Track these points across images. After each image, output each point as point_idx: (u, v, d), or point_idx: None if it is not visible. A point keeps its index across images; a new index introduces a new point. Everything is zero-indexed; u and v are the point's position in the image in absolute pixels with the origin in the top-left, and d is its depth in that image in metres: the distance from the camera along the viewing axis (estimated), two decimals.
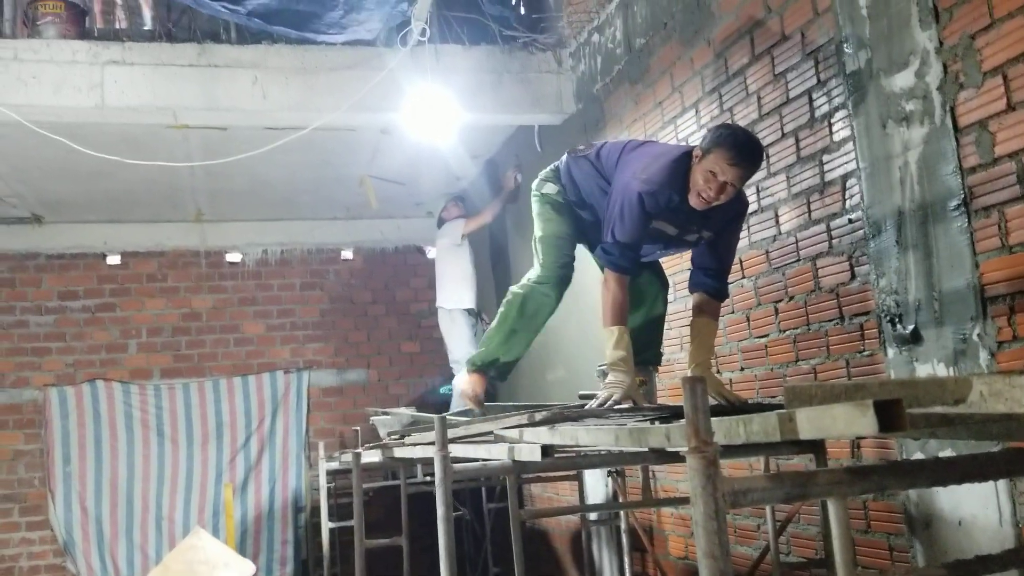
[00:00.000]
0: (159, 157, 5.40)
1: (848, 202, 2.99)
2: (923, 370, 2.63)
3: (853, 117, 2.91)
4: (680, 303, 3.91)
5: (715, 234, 2.97)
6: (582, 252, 3.39)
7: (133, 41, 4.84)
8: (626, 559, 4.58)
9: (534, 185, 3.30)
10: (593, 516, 4.98)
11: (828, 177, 3.09)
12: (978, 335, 2.45)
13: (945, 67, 2.54)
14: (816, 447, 2.74)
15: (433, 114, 4.98)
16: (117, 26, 5.48)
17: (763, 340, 3.48)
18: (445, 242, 6.63)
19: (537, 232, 3.22)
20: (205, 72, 4.84)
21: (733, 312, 3.62)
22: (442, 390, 7.72)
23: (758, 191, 3.44)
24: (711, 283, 3.04)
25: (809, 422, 1.52)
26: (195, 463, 7.35)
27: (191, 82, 4.81)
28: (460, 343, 6.36)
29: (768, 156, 3.32)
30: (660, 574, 4.32)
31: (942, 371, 2.57)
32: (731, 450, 2.49)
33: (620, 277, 2.89)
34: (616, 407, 2.76)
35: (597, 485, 4.97)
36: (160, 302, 7.58)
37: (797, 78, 3.23)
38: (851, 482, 1.49)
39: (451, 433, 3.03)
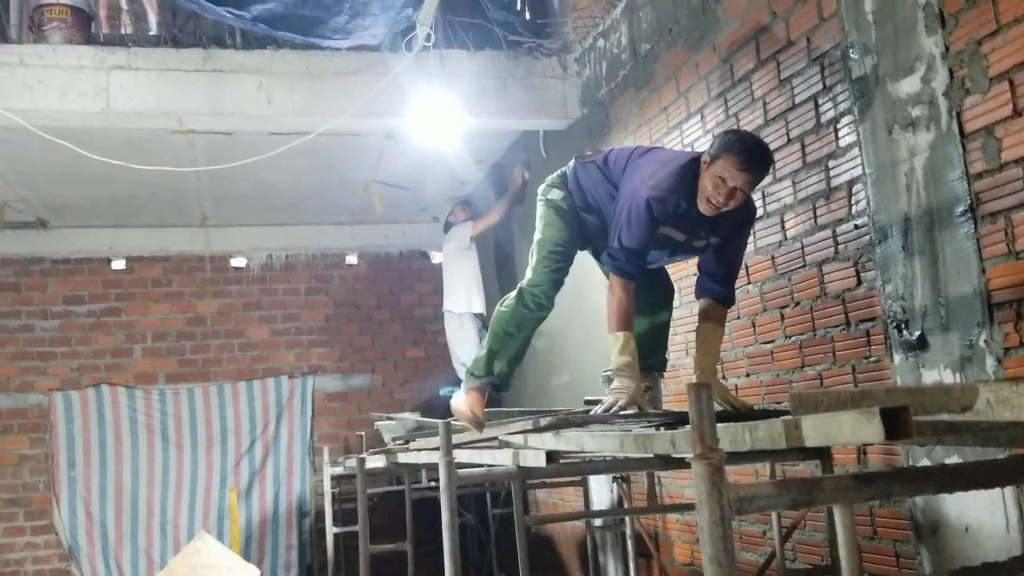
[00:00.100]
0: (164, 162, 5.42)
1: (854, 208, 2.99)
2: (930, 376, 2.62)
3: (859, 123, 2.90)
4: (685, 308, 3.90)
5: (723, 240, 2.96)
6: (586, 257, 3.38)
7: (138, 46, 4.85)
8: (631, 565, 4.56)
9: (540, 190, 3.28)
10: (598, 522, 4.97)
11: (834, 183, 3.08)
12: (985, 341, 2.44)
13: (951, 73, 2.54)
14: (822, 453, 2.73)
15: (438, 119, 4.98)
16: (123, 31, 5.49)
17: (769, 346, 3.47)
18: (453, 246, 6.62)
19: (537, 236, 3.22)
20: (210, 77, 4.85)
21: (739, 318, 3.61)
22: (442, 392, 7.73)
23: (764, 197, 3.43)
24: (718, 289, 3.03)
25: (815, 429, 1.52)
26: (200, 468, 7.35)
27: (196, 87, 4.82)
28: (467, 347, 6.34)
29: (774, 162, 3.31)
30: None
31: (949, 377, 2.56)
32: (736, 456, 2.48)
33: (626, 283, 2.88)
34: (621, 413, 2.75)
35: (602, 490, 4.96)
36: (165, 307, 7.60)
37: (803, 83, 3.23)
38: (857, 489, 1.48)
39: (456, 438, 3.03)
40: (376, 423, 6.50)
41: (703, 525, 1.37)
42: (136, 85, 4.75)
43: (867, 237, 2.90)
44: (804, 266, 3.26)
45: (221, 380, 7.58)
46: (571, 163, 3.25)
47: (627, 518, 4.57)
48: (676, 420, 2.59)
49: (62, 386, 7.29)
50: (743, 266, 3.41)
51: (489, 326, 3.22)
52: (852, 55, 2.91)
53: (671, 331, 3.50)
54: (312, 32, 4.82)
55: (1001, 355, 2.40)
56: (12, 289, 7.34)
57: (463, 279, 6.52)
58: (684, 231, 2.89)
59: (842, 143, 3.03)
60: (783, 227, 3.37)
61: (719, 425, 1.49)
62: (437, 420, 3.28)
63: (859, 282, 2.98)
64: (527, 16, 5.87)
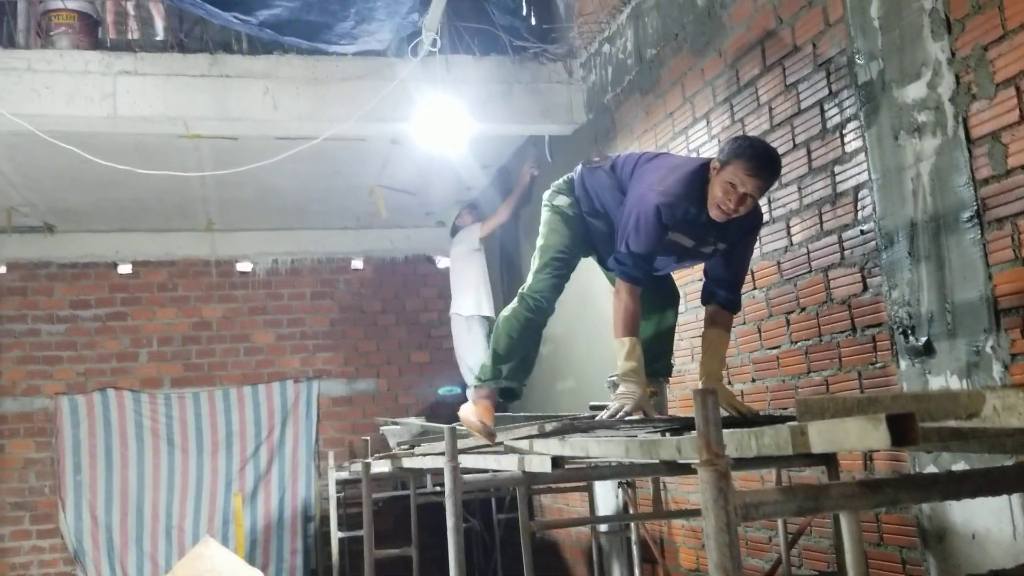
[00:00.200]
0: (170, 167, 5.43)
1: (860, 213, 2.98)
2: (936, 382, 2.62)
3: (865, 128, 2.90)
4: (691, 314, 3.90)
5: (730, 246, 2.96)
6: (592, 262, 3.38)
7: (145, 51, 4.87)
8: (636, 571, 4.55)
9: (545, 196, 3.28)
10: (604, 527, 4.96)
11: (840, 188, 3.08)
12: (991, 347, 2.43)
13: (957, 78, 2.53)
14: (828, 459, 2.72)
15: (443, 124, 4.99)
16: (129, 36, 5.51)
17: (775, 351, 3.47)
18: (462, 248, 6.59)
19: (540, 241, 3.21)
20: (217, 82, 4.86)
21: (744, 323, 3.61)
22: (440, 391, 7.73)
23: (770, 202, 3.43)
24: (724, 295, 3.03)
25: (821, 436, 1.51)
26: (205, 472, 7.36)
27: (203, 92, 4.83)
28: (474, 351, 6.32)
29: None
30: None
31: (955, 383, 2.55)
32: (742, 462, 2.48)
33: (632, 288, 2.88)
34: (627, 418, 2.74)
35: (608, 496, 4.95)
36: (171, 311, 7.61)
37: (809, 89, 3.23)
38: (864, 496, 1.48)
39: (461, 444, 3.03)
40: (381, 428, 6.50)
41: (709, 531, 1.37)
42: (143, 90, 4.76)
43: (873, 243, 2.90)
44: (810, 272, 3.25)
45: (226, 384, 7.59)
46: (578, 169, 3.24)
47: (632, 524, 4.56)
48: (682, 426, 2.59)
49: (68, 390, 7.30)
50: (749, 271, 3.40)
51: (492, 333, 3.22)
52: (858, 60, 2.91)
53: (677, 336, 3.50)
54: (318, 37, 4.84)
55: (1008, 361, 2.39)
56: (19, 293, 7.36)
57: (472, 281, 6.49)
58: (693, 237, 2.88)
59: (848, 148, 3.03)
60: (789, 232, 3.37)
61: (725, 431, 1.49)
62: (442, 425, 3.28)
63: (865, 288, 2.97)
64: (533, 21, 5.87)
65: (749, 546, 3.65)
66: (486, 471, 3.15)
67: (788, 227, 3.37)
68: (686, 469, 2.45)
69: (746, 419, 2.78)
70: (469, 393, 6.63)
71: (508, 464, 2.86)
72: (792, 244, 3.35)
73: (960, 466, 2.49)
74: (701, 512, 1.40)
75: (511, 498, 6.52)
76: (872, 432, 1.35)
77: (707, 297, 3.07)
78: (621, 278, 2.89)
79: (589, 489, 4.96)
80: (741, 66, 3.65)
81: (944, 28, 2.57)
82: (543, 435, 2.75)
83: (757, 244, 3.42)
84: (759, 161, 2.68)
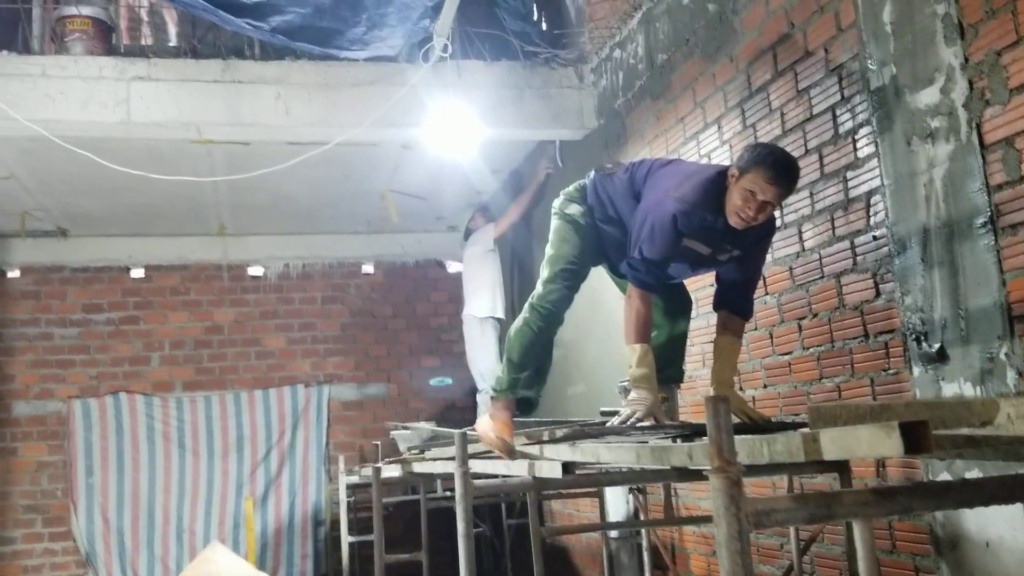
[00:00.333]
0: (183, 172, 5.46)
1: (873, 219, 2.97)
2: (949, 389, 2.60)
3: (877, 134, 2.89)
4: (702, 319, 3.89)
5: (743, 252, 2.94)
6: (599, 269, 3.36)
7: (159, 57, 4.90)
8: None
9: (556, 204, 3.23)
10: (614, 533, 4.95)
11: (852, 194, 3.07)
12: (1005, 354, 2.42)
13: (971, 84, 2.52)
14: (841, 466, 2.71)
15: (454, 129, 5.00)
16: (143, 42, 5.55)
17: (786, 357, 3.45)
18: (477, 250, 6.58)
19: (550, 250, 3.16)
20: (229, 88, 4.89)
21: (756, 329, 3.60)
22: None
23: (781, 207, 3.41)
24: (736, 301, 3.01)
25: (834, 443, 1.51)
26: (216, 476, 7.38)
27: (215, 98, 4.85)
28: (487, 355, 6.31)
29: None
30: None
31: (969, 390, 2.54)
32: (754, 468, 2.47)
33: (644, 294, 2.86)
34: (638, 425, 2.74)
35: (618, 501, 4.94)
36: (183, 315, 7.64)
37: (821, 94, 3.22)
38: (876, 503, 1.48)
39: (471, 449, 3.02)
40: (391, 432, 6.49)
41: (721, 539, 1.37)
42: (156, 96, 4.79)
43: (886, 248, 2.89)
44: (822, 277, 3.24)
45: (237, 388, 7.61)
46: (591, 175, 3.20)
47: (643, 530, 4.54)
48: (693, 432, 2.58)
49: (81, 393, 7.34)
50: (761, 277, 3.39)
51: (505, 345, 3.18)
52: (870, 66, 2.90)
53: (688, 342, 3.49)
54: (330, 43, 4.85)
55: (1022, 368, 2.38)
56: (32, 297, 7.40)
57: (487, 282, 6.46)
58: (709, 245, 2.85)
59: (860, 154, 3.02)
60: (801, 238, 3.36)
61: (737, 438, 1.49)
62: (453, 430, 3.28)
63: (878, 294, 2.96)
64: (543, 27, 5.88)
65: (761, 553, 3.64)
66: (496, 476, 3.15)
67: (800, 233, 3.36)
68: (697, 475, 2.45)
69: (758, 426, 2.76)
70: (480, 398, 6.60)
71: (518, 469, 2.86)
72: (804, 250, 3.34)
73: (974, 473, 2.48)
74: (713, 519, 1.40)
75: (521, 503, 6.52)
76: (885, 440, 1.35)
77: (719, 303, 3.05)
78: (633, 284, 2.87)
79: (599, 495, 4.95)
80: (753, 71, 3.64)
81: (957, 33, 2.56)
82: (554, 441, 2.75)
83: (769, 249, 3.41)
84: (779, 169, 2.66)
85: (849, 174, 3.08)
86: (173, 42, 5.54)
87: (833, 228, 3.17)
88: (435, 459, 4.08)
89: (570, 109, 5.32)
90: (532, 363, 3.10)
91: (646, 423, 2.74)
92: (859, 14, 2.96)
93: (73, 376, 7.37)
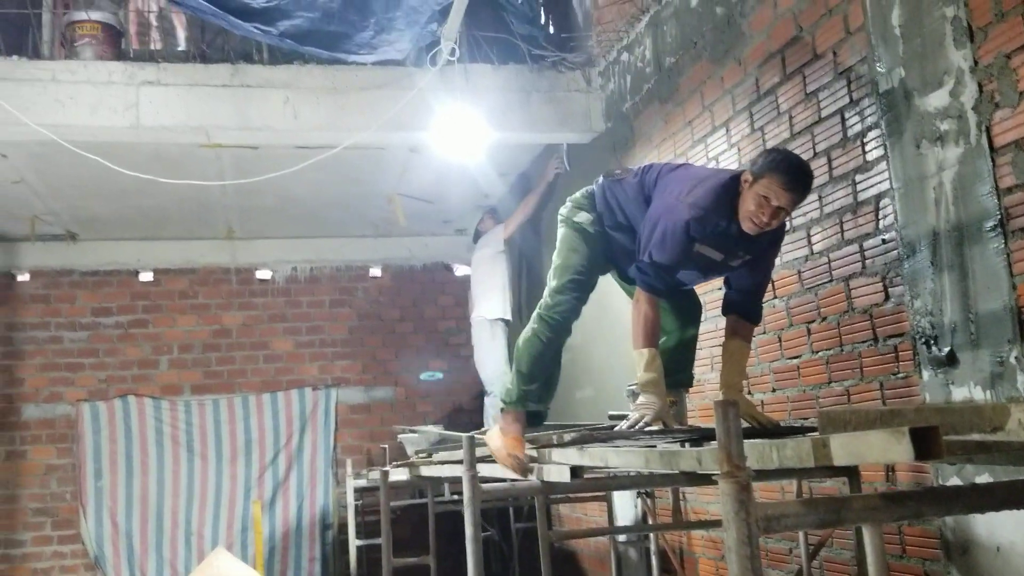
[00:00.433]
0: (192, 176, 5.47)
1: (882, 222, 2.96)
2: (959, 393, 2.59)
3: (886, 137, 2.88)
4: (711, 323, 3.88)
5: (754, 257, 2.93)
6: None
7: (168, 62, 4.92)
8: None
9: (564, 211, 3.19)
10: (622, 537, 4.94)
11: (861, 197, 3.06)
12: (1016, 358, 2.40)
13: (980, 87, 2.52)
14: (850, 471, 2.70)
15: (462, 133, 5.01)
16: (152, 47, 5.57)
17: (795, 361, 3.44)
18: (488, 251, 6.57)
19: (557, 260, 3.12)
20: (238, 92, 4.90)
21: (765, 332, 3.59)
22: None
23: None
24: (745, 306, 2.99)
25: (843, 448, 1.50)
26: (224, 479, 7.39)
27: (224, 102, 4.87)
28: (496, 358, 6.30)
29: None
30: None
31: (979, 394, 2.53)
32: (763, 473, 2.46)
33: (652, 298, 2.85)
34: (647, 429, 2.73)
35: (626, 505, 4.93)
36: (191, 319, 7.66)
37: (829, 97, 3.21)
38: (886, 509, 1.47)
39: (479, 452, 3.02)
40: (399, 436, 6.51)
41: (730, 544, 1.36)
42: (165, 100, 4.81)
43: (895, 252, 2.88)
44: (831, 281, 3.23)
45: (246, 392, 7.63)
46: (599, 181, 3.17)
47: (651, 534, 4.54)
48: (701, 436, 2.58)
49: (90, 397, 7.36)
50: (769, 281, 3.38)
51: (514, 355, 3.15)
52: (879, 69, 2.90)
53: (696, 345, 3.48)
54: (338, 47, 4.86)
55: None
56: (42, 301, 7.43)
57: (497, 284, 6.46)
58: (722, 250, 2.82)
59: (869, 157, 3.01)
60: (809, 241, 3.35)
61: (746, 442, 1.48)
62: (460, 434, 3.28)
63: (887, 297, 2.95)
64: (551, 30, 5.88)
65: (769, 557, 3.62)
66: (504, 480, 3.15)
67: (809, 236, 3.35)
68: (706, 480, 2.43)
69: (767, 430, 2.76)
70: (487, 401, 6.58)
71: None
72: (813, 253, 3.33)
73: (984, 478, 2.47)
74: (722, 523, 1.39)
75: (529, 507, 6.51)
76: (895, 445, 1.34)
77: (728, 308, 3.04)
78: (642, 288, 2.86)
79: (608, 498, 4.94)
80: (761, 74, 3.63)
81: (966, 36, 2.55)
82: (562, 445, 2.74)
83: (778, 254, 3.40)
84: (794, 175, 2.65)
85: (858, 177, 3.07)
86: (182, 47, 5.55)
87: (842, 231, 3.16)
88: (443, 463, 4.08)
89: (577, 112, 5.32)
90: (541, 374, 3.08)
91: (655, 427, 2.73)
92: (868, 17, 2.95)
93: (82, 379, 7.39)
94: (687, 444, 2.49)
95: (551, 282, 3.09)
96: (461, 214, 7.33)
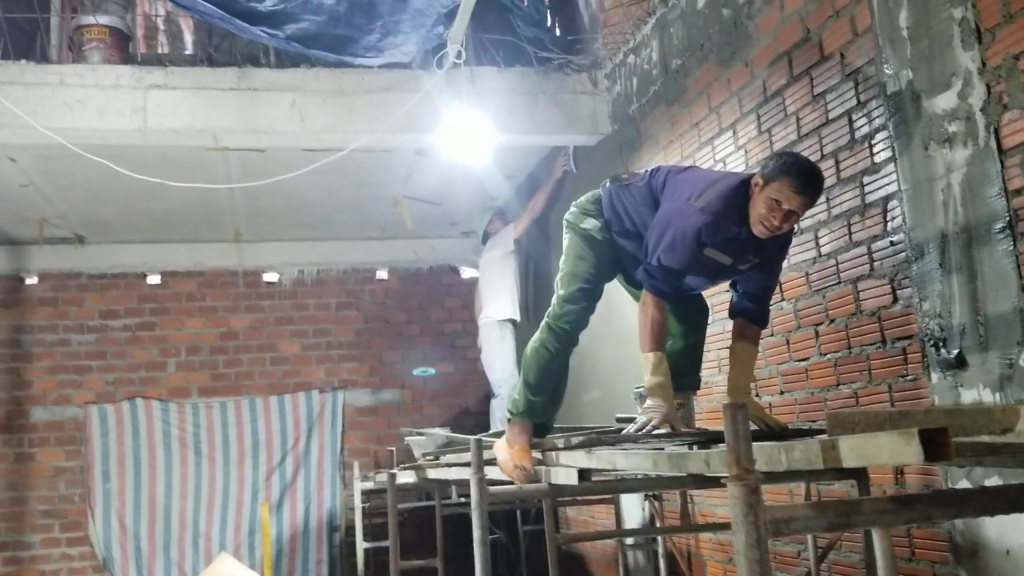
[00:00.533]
0: (199, 179, 5.49)
1: (890, 224, 2.96)
2: (968, 395, 2.58)
3: (894, 138, 2.87)
4: (718, 325, 3.87)
5: (762, 260, 2.91)
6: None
7: (175, 65, 4.93)
8: None
9: (570, 217, 3.16)
10: (630, 540, 4.93)
11: (869, 199, 3.05)
12: None
13: (988, 88, 2.51)
14: (859, 473, 2.69)
15: (468, 135, 5.01)
16: (160, 51, 5.60)
17: (803, 363, 3.44)
18: (498, 252, 6.56)
19: (564, 267, 3.09)
20: (245, 95, 4.92)
21: (773, 335, 3.58)
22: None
23: None
24: (753, 309, 2.98)
25: (852, 450, 1.50)
26: (231, 481, 7.41)
27: (231, 105, 4.89)
28: (505, 359, 6.30)
29: None
30: None
31: (988, 397, 2.52)
32: (772, 475, 2.45)
33: (658, 301, 2.84)
34: (654, 432, 2.72)
35: (634, 508, 4.92)
36: (199, 321, 7.68)
37: (837, 99, 3.21)
38: (896, 512, 1.47)
39: (487, 455, 3.02)
40: (406, 438, 6.51)
41: (739, 547, 1.36)
42: (172, 103, 4.82)
43: (903, 254, 2.87)
44: (839, 283, 3.22)
45: (253, 394, 7.64)
46: (606, 186, 3.13)
47: (659, 537, 4.53)
48: (709, 439, 2.57)
49: (98, 399, 7.38)
50: (777, 284, 3.37)
51: (522, 365, 3.13)
52: (887, 70, 2.89)
53: (704, 348, 3.47)
54: (345, 50, 4.87)
55: None
56: (50, 304, 7.46)
57: (507, 285, 6.45)
58: (731, 254, 2.80)
59: (877, 159, 3.00)
60: (817, 244, 3.34)
61: (755, 445, 1.48)
62: (468, 436, 3.28)
63: (895, 299, 2.94)
64: (557, 32, 5.88)
65: (777, 560, 3.62)
66: (512, 482, 3.14)
67: (816, 238, 3.34)
68: (714, 483, 2.43)
69: (775, 433, 2.75)
70: (495, 403, 6.57)
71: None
72: (821, 255, 3.33)
73: (994, 481, 2.46)
74: (730, 527, 1.39)
75: (537, 510, 6.51)
76: (904, 447, 1.34)
77: (735, 311, 3.02)
78: (648, 291, 2.84)
79: (615, 501, 4.94)
80: (768, 76, 3.63)
81: (974, 38, 2.54)
82: (569, 448, 2.74)
83: (786, 257, 3.39)
84: (805, 178, 2.63)
85: (866, 179, 3.06)
86: (189, 50, 5.58)
87: (850, 233, 3.16)
88: (450, 465, 4.08)
89: (584, 115, 5.32)
90: (549, 384, 3.06)
91: (662, 430, 2.72)
92: (875, 19, 2.95)
93: (90, 382, 7.41)
94: (695, 447, 2.49)
95: (559, 290, 3.07)
96: (468, 216, 7.34)
